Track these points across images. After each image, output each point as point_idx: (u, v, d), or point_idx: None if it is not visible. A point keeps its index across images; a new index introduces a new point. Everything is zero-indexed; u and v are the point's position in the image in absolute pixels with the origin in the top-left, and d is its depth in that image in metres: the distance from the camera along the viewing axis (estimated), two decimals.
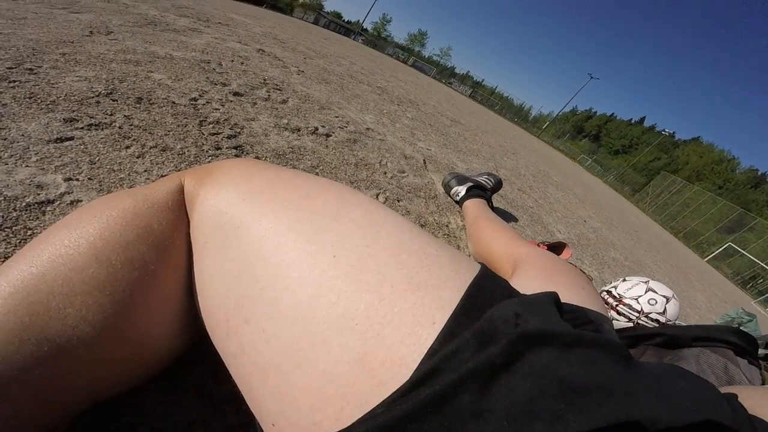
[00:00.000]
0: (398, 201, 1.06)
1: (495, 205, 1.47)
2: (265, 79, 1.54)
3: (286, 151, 0.98)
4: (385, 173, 1.21)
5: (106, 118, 0.73)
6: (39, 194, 0.50)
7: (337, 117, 1.52)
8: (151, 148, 0.71)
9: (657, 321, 0.84)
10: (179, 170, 0.65)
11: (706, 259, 17.99)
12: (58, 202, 0.51)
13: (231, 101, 1.13)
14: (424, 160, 1.58)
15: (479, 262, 0.30)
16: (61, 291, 0.25)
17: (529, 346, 0.20)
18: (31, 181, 0.52)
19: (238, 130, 0.96)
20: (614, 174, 33.90)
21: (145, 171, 0.64)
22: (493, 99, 44.27)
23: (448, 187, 1.24)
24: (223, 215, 0.30)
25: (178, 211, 0.33)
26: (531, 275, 0.46)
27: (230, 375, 0.28)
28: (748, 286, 17.94)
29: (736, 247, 18.74)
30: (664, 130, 45.39)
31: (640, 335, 0.74)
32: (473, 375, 0.19)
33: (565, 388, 0.18)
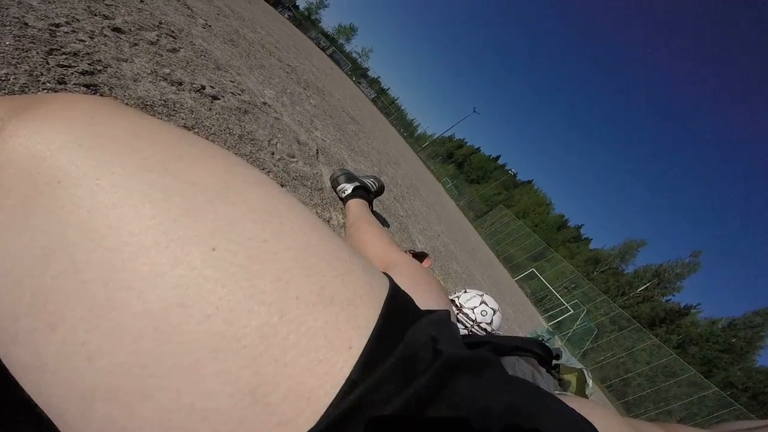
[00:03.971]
0: (282, 186, 0.98)
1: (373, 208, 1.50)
2: (160, 23, 1.25)
3: (156, 103, 0.80)
4: (273, 154, 1.11)
5: None
6: None
7: (232, 82, 1.34)
8: None
9: (485, 330, 0.95)
10: None
11: (515, 279, 22.18)
12: None
13: (106, 36, 0.88)
14: (317, 150, 1.52)
15: (383, 272, 0.26)
16: None
17: (451, 376, 0.18)
18: None
19: (100, 67, 0.74)
20: (466, 200, 38.82)
21: None
22: (391, 108, 45.99)
23: (336, 182, 1.21)
24: (37, 161, 0.19)
25: None
26: (400, 281, 0.47)
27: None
28: (539, 304, 22.68)
29: (536, 272, 23.51)
30: (510, 170, 54.24)
31: (474, 342, 0.84)
32: (404, 411, 0.16)
33: (488, 415, 0.18)
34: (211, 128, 0.92)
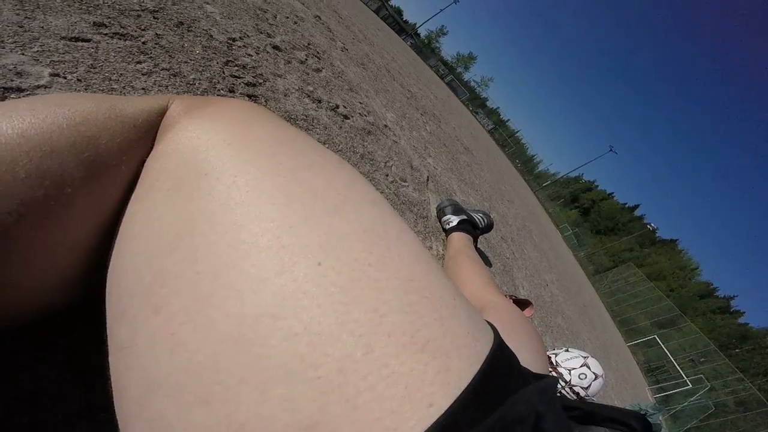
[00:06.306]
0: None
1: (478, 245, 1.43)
2: (309, 44, 1.46)
3: (298, 117, 0.91)
4: (387, 176, 1.15)
5: (136, 31, 0.66)
6: (12, 81, 0.43)
7: (361, 103, 1.46)
8: (163, 69, 0.63)
9: (577, 394, 0.87)
10: None
11: (629, 344, 19.44)
12: (27, 93, 0.43)
13: (267, 52, 1.06)
14: (428, 177, 1.53)
15: (486, 321, 0.24)
16: None
17: None
18: (15, 67, 0.44)
19: (261, 80, 0.89)
20: (586, 251, 34.62)
21: (143, 89, 0.57)
22: (509, 141, 44.53)
23: (441, 213, 1.19)
24: (194, 153, 0.22)
25: (145, 134, 0.25)
26: (495, 326, 0.45)
27: None
28: (650, 374, 19.72)
29: (658, 340, 20.15)
30: (649, 224, 46.34)
31: (562, 406, 0.76)
32: None
33: None
34: (339, 145, 1.01)
